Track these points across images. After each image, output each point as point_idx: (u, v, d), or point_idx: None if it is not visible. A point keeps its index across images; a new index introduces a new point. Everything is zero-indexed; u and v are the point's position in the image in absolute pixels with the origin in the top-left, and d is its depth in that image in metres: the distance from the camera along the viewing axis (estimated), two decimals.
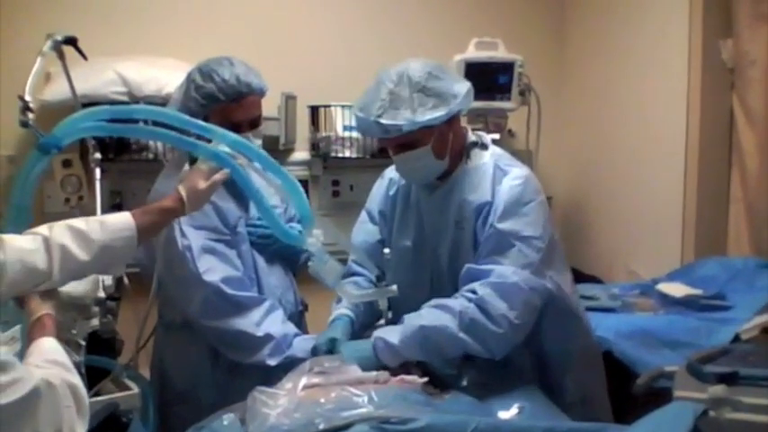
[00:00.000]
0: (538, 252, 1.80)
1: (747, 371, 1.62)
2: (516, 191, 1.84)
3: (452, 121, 1.87)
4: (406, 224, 2.01)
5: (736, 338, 2.20)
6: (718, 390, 1.57)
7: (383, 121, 1.79)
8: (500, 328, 1.72)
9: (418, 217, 1.98)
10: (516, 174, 1.88)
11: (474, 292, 1.76)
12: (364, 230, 2.11)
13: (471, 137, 1.97)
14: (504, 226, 1.81)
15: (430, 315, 1.77)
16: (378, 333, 1.80)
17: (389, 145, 1.89)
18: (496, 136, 3.04)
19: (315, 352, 1.84)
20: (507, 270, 1.76)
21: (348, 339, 1.89)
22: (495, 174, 1.89)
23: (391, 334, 1.77)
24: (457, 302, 1.76)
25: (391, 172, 2.09)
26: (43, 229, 1.48)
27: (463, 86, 1.87)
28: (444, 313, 1.75)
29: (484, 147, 1.97)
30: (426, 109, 1.79)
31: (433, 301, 1.81)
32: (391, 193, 2.07)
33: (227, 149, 1.68)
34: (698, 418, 1.33)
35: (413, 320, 1.77)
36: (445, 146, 1.88)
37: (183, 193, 1.68)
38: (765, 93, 2.70)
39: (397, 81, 1.81)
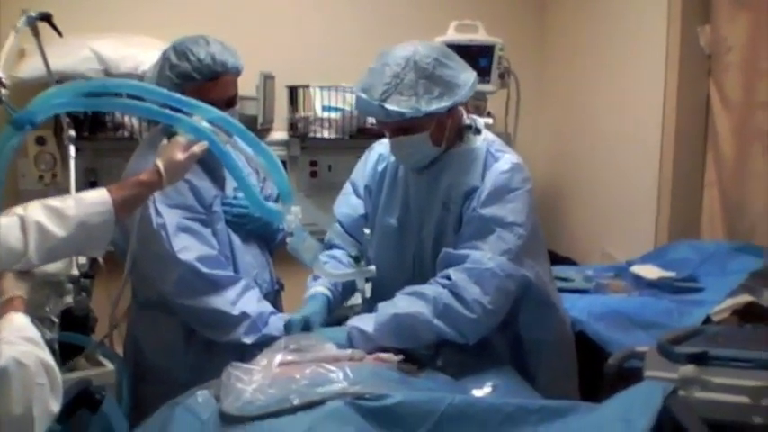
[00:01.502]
0: (519, 239, 1.80)
1: (717, 351, 1.65)
2: (503, 177, 1.84)
3: (453, 109, 1.86)
4: (391, 202, 2.01)
5: (708, 320, 2.24)
6: (688, 370, 1.60)
7: (388, 105, 1.76)
8: (473, 314, 1.73)
9: (405, 195, 1.98)
10: (506, 160, 1.88)
11: (448, 277, 1.76)
12: (347, 203, 2.10)
13: (466, 120, 1.96)
14: (486, 212, 1.80)
15: (403, 302, 1.77)
16: (352, 321, 1.81)
17: (388, 128, 1.87)
18: (490, 120, 3.05)
19: (288, 329, 1.84)
20: (484, 256, 1.76)
21: (324, 317, 1.90)
22: (487, 159, 1.89)
23: (365, 322, 1.78)
24: (431, 288, 1.77)
25: (381, 147, 2.08)
26: (18, 209, 1.46)
27: (470, 76, 1.85)
28: (418, 299, 1.76)
29: (477, 131, 1.96)
30: (432, 97, 1.77)
31: (407, 289, 1.81)
32: (380, 168, 2.06)
33: (206, 124, 1.66)
34: (667, 397, 1.35)
35: (386, 308, 1.77)
36: (443, 133, 1.87)
37: (161, 165, 1.67)
38: (742, 79, 2.73)
39: (403, 65, 1.78)
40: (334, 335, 1.80)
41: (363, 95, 1.80)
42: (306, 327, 1.83)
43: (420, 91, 1.76)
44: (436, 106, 1.77)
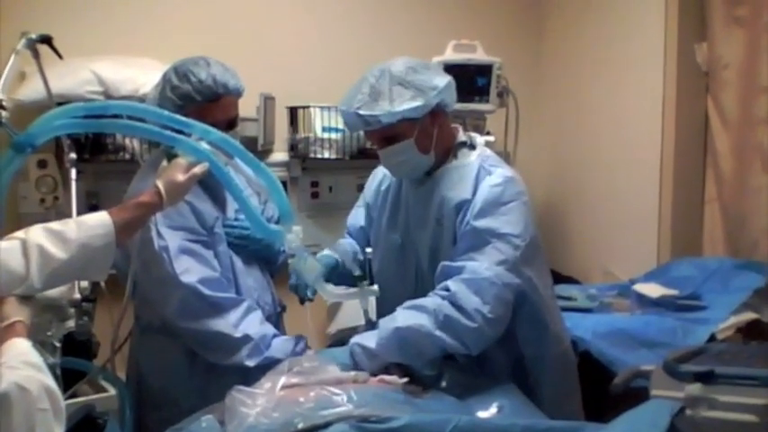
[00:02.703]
0: (515, 249, 1.80)
1: (723, 369, 1.63)
2: (496, 191, 1.85)
3: (436, 115, 1.89)
4: (395, 219, 2.03)
5: (712, 338, 2.23)
6: (695, 388, 1.59)
7: (362, 112, 1.82)
8: (474, 323, 1.73)
9: (406, 213, 2.00)
10: (499, 174, 1.89)
11: (447, 289, 1.77)
12: (355, 213, 2.23)
13: (461, 137, 1.98)
14: (480, 224, 1.81)
15: (404, 315, 1.77)
16: (354, 339, 1.80)
17: (374, 139, 1.92)
18: (491, 138, 3.05)
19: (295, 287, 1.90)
20: (480, 266, 1.76)
21: (328, 277, 1.96)
22: (479, 173, 1.89)
23: (368, 339, 1.77)
24: (430, 301, 1.77)
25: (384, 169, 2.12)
26: (20, 233, 1.46)
27: (443, 79, 1.89)
28: (419, 313, 1.75)
29: (472, 147, 1.97)
30: (404, 100, 1.81)
31: (407, 303, 1.81)
32: (383, 187, 2.11)
33: (206, 146, 1.66)
34: (675, 416, 1.34)
35: (388, 323, 1.77)
36: (429, 140, 1.89)
37: (162, 187, 1.67)
38: (739, 95, 2.74)
39: (378, 76, 1.85)
40: (338, 355, 1.79)
41: (343, 108, 1.87)
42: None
43: (393, 96, 1.81)
44: (408, 106, 1.81)
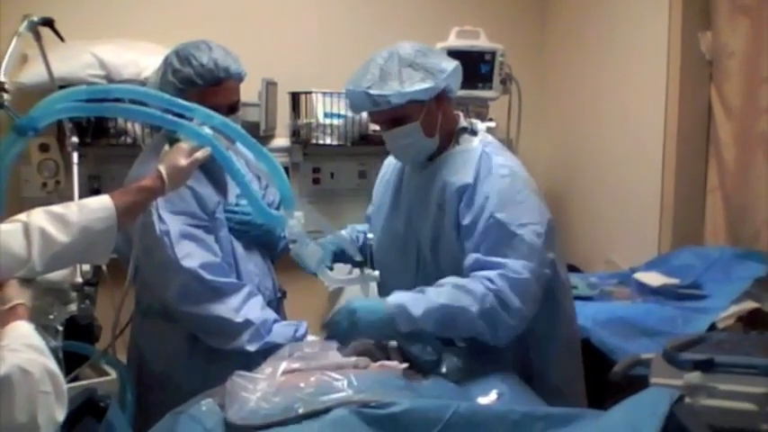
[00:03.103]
0: (539, 237, 1.81)
1: (722, 358, 1.64)
2: (506, 181, 1.86)
3: (441, 99, 1.90)
4: (396, 206, 2.04)
5: (713, 327, 2.24)
6: (694, 377, 1.60)
7: (372, 91, 1.82)
8: (513, 321, 1.75)
9: (407, 199, 2.01)
10: (502, 162, 1.89)
11: (491, 281, 1.76)
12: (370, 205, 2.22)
13: (463, 122, 1.99)
14: (502, 216, 1.81)
15: (452, 294, 1.76)
16: (399, 300, 1.76)
17: (380, 120, 1.92)
18: (492, 124, 3.04)
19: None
20: (517, 264, 1.77)
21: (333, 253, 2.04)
22: (481, 158, 1.89)
23: (415, 304, 1.74)
24: (476, 287, 1.76)
25: (390, 158, 2.14)
26: (22, 215, 1.46)
27: (451, 64, 1.90)
28: (466, 295, 1.75)
29: (473, 133, 1.98)
30: (414, 81, 1.82)
31: (453, 280, 1.79)
32: (386, 178, 2.12)
33: (208, 130, 1.66)
34: (674, 404, 1.34)
35: (436, 297, 1.76)
36: (434, 124, 1.90)
37: (163, 171, 1.66)
38: (742, 85, 2.73)
39: (387, 57, 1.85)
40: (373, 308, 1.76)
41: (351, 87, 1.87)
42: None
43: (403, 77, 1.82)
44: (418, 88, 1.82)
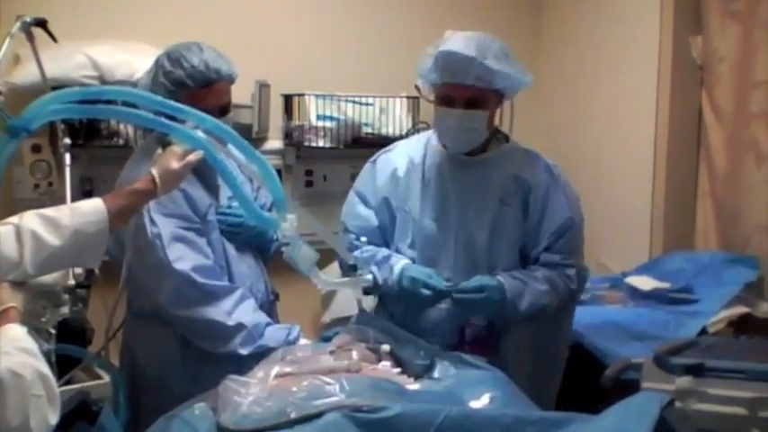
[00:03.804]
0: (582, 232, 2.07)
1: (713, 363, 1.65)
2: (571, 185, 2.06)
3: (502, 100, 2.01)
4: (426, 204, 2.04)
5: (703, 331, 2.25)
6: (685, 381, 1.61)
7: (487, 62, 1.85)
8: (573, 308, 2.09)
9: (442, 196, 2.03)
10: (556, 166, 2.09)
11: (570, 279, 1.98)
12: (357, 215, 2.13)
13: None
14: (577, 219, 2.01)
15: (547, 295, 1.94)
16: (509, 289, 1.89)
17: (461, 95, 1.92)
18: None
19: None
20: (582, 264, 2.04)
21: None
22: (530, 157, 2.07)
23: (520, 300, 1.90)
24: (560, 284, 1.96)
25: (395, 156, 2.12)
26: (14, 218, 1.46)
27: (528, 72, 2.00)
28: (553, 295, 1.94)
29: (506, 137, 2.13)
30: (518, 71, 1.92)
31: (546, 273, 1.96)
32: (400, 174, 2.09)
33: (200, 133, 1.66)
34: (664, 409, 1.35)
35: (537, 297, 1.92)
36: (492, 120, 2.01)
37: (156, 174, 1.66)
38: (733, 90, 2.74)
39: (491, 42, 1.91)
40: (484, 281, 1.89)
41: (461, 51, 1.85)
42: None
43: (506, 63, 1.90)
44: (523, 79, 1.94)
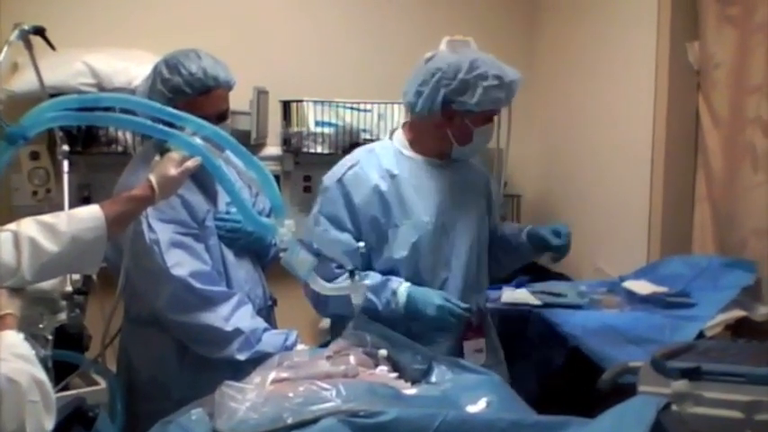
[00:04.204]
0: None
1: (710, 366, 1.65)
2: None
3: None
4: (420, 210, 2.05)
5: (701, 335, 2.25)
6: (681, 385, 1.60)
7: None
8: None
9: (438, 196, 2.08)
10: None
11: None
12: (336, 241, 2.01)
13: None
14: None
15: None
16: None
17: (496, 111, 2.11)
18: None
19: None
20: None
21: None
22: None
23: None
24: None
25: (372, 173, 2.04)
26: (11, 225, 1.46)
27: None
28: None
29: None
30: None
31: None
32: (384, 188, 2.02)
33: (198, 139, 1.66)
34: (660, 412, 1.35)
35: None
36: None
37: (154, 181, 1.67)
38: (730, 94, 2.75)
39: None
40: None
41: (513, 75, 2.06)
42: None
43: None
44: None
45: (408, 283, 2.00)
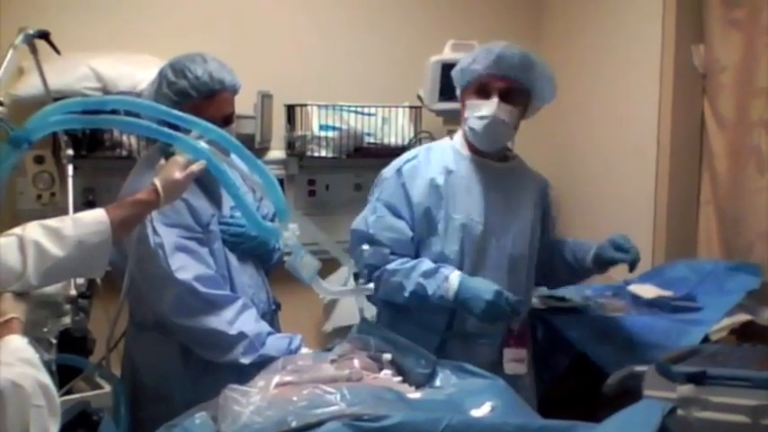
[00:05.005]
0: None
1: (715, 371, 1.65)
2: None
3: (525, 111, 2.15)
4: (472, 208, 2.09)
5: (706, 339, 2.24)
6: (687, 389, 1.60)
7: (531, 56, 2.04)
8: None
9: (487, 201, 2.09)
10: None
11: None
12: (390, 227, 2.09)
13: None
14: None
15: None
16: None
17: (501, 86, 2.04)
18: None
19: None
20: None
21: None
22: (533, 169, 2.31)
23: None
24: None
25: (430, 167, 2.12)
26: (17, 229, 1.46)
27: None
28: None
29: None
30: (553, 82, 2.12)
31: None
32: (439, 182, 2.09)
33: (203, 143, 1.66)
34: (666, 417, 1.34)
35: None
36: (519, 123, 2.11)
37: (159, 184, 1.67)
38: (735, 98, 2.75)
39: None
40: None
41: (508, 48, 2.02)
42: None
43: (543, 66, 2.09)
44: (553, 90, 2.13)
45: (460, 272, 2.01)
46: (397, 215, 2.09)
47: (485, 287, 1.95)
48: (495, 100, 2.03)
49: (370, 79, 3.39)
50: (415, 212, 2.08)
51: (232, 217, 2.09)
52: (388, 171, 2.16)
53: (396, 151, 2.54)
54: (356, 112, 3.27)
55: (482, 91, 2.06)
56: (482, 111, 2.04)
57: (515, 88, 2.05)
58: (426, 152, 2.18)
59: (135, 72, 2.84)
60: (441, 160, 2.13)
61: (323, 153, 3.24)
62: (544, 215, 2.24)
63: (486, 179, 2.11)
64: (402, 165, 2.14)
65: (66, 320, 1.69)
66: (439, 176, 2.09)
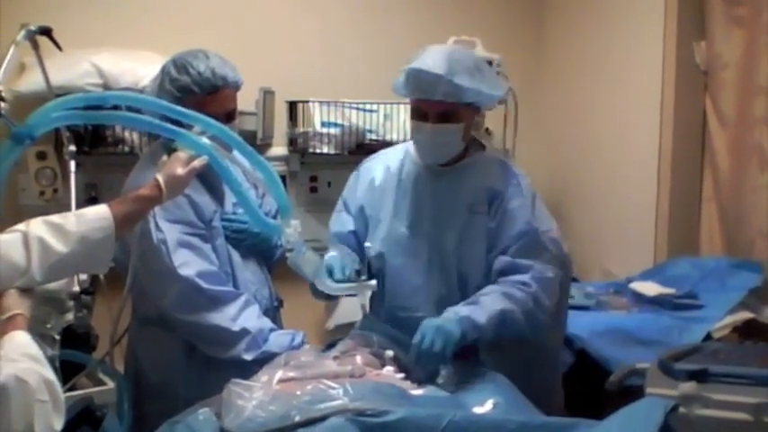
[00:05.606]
0: (554, 242, 1.97)
1: (717, 368, 1.65)
2: (531, 190, 2.00)
3: (478, 111, 2.00)
4: (400, 210, 2.04)
5: (708, 337, 2.24)
6: (689, 386, 1.60)
7: (457, 80, 1.83)
8: (545, 317, 1.89)
9: (416, 202, 2.02)
10: (521, 173, 2.03)
11: (526, 284, 1.87)
12: (339, 220, 2.14)
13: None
14: (533, 223, 1.93)
15: (502, 301, 1.83)
16: (462, 312, 1.80)
17: (434, 110, 1.90)
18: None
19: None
20: (543, 266, 1.90)
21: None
22: (502, 167, 2.02)
23: (477, 314, 1.80)
24: (516, 292, 1.85)
25: (375, 164, 2.13)
26: (21, 225, 1.46)
27: (504, 84, 2.02)
28: (509, 301, 1.84)
29: (482, 146, 2.08)
30: (489, 85, 1.90)
31: (495, 288, 1.88)
32: (377, 183, 2.09)
33: (206, 139, 1.66)
34: (668, 414, 1.35)
35: (491, 304, 1.82)
36: (469, 131, 1.99)
37: (161, 180, 1.67)
38: (737, 95, 2.75)
39: (464, 54, 1.93)
40: (441, 326, 1.74)
41: (429, 69, 1.83)
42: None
43: (478, 78, 1.88)
44: (494, 93, 1.92)
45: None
46: (348, 211, 2.13)
47: None
48: (431, 125, 1.91)
49: (372, 76, 3.38)
50: (356, 209, 2.11)
51: (234, 213, 2.09)
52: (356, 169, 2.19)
53: None
54: (358, 109, 3.27)
55: (419, 113, 1.94)
56: (419, 134, 1.97)
57: (449, 111, 1.90)
58: (386, 151, 2.18)
59: (137, 68, 2.84)
60: (389, 160, 2.11)
61: (325, 150, 3.24)
62: (497, 228, 1.95)
63: (424, 181, 2.03)
64: (363, 163, 2.17)
65: (70, 317, 1.69)
66: (378, 176, 2.10)
